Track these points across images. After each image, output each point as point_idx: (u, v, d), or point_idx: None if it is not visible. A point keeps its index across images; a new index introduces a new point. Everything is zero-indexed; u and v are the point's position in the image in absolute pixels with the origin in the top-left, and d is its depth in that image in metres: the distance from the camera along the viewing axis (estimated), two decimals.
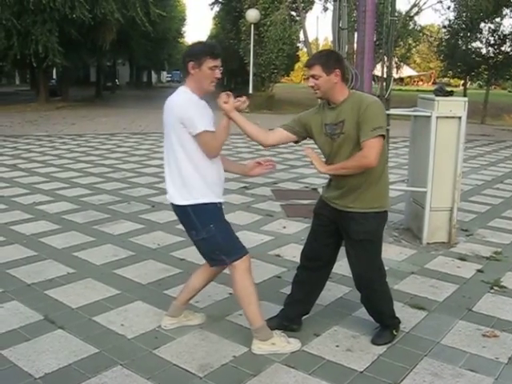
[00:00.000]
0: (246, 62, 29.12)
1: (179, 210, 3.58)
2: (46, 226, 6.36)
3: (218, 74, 3.44)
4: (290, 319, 3.89)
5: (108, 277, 4.84)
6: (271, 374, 3.34)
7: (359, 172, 3.42)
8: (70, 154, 12.22)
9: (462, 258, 5.52)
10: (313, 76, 3.44)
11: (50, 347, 3.60)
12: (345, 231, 3.63)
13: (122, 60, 52.46)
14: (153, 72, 76.72)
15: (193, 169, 3.45)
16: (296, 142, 3.84)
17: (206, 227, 3.48)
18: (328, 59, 3.46)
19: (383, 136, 3.38)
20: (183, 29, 68.90)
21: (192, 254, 5.40)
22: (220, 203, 3.57)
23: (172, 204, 3.61)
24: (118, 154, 12.45)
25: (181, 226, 6.20)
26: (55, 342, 3.67)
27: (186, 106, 3.36)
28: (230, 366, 3.43)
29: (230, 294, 4.46)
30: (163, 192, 8.07)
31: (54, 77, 37.27)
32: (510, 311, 4.35)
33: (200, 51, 3.41)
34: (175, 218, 6.54)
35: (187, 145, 3.42)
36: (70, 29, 24.15)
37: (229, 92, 3.49)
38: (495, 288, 4.84)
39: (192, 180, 3.46)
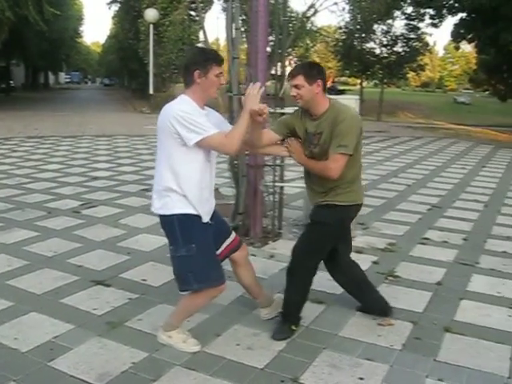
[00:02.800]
0: (146, 63, 28.70)
1: (164, 220, 3.45)
2: None
3: (222, 80, 3.39)
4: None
5: (0, 288, 4.60)
6: (171, 378, 3.29)
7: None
8: None
9: (359, 251, 5.69)
10: (295, 86, 3.54)
11: None
12: None
13: (16, 60, 50.25)
14: (50, 73, 74.11)
15: (175, 181, 3.34)
16: (282, 141, 3.88)
17: (188, 245, 3.37)
18: (311, 69, 3.58)
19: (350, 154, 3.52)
20: (81, 28, 67.16)
21: (90, 260, 5.28)
22: (205, 222, 3.48)
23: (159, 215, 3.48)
24: (12, 159, 11.87)
25: (78, 232, 6.14)
26: None
27: (183, 116, 3.20)
28: (129, 372, 3.35)
29: (130, 299, 4.39)
30: (60, 197, 7.91)
31: None
32: (403, 300, 4.55)
33: (206, 59, 3.32)
34: (72, 223, 6.53)
35: (173, 156, 3.31)
36: None
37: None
38: (389, 278, 5.04)
39: (174, 192, 3.35)
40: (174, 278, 3.58)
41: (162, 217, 3.44)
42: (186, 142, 3.22)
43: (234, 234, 3.82)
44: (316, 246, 3.80)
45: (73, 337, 3.75)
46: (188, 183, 3.35)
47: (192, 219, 3.39)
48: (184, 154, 3.30)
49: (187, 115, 3.21)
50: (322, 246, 3.81)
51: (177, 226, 3.38)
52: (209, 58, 3.35)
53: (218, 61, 3.37)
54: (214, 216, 3.63)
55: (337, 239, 3.89)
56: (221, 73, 3.37)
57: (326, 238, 3.80)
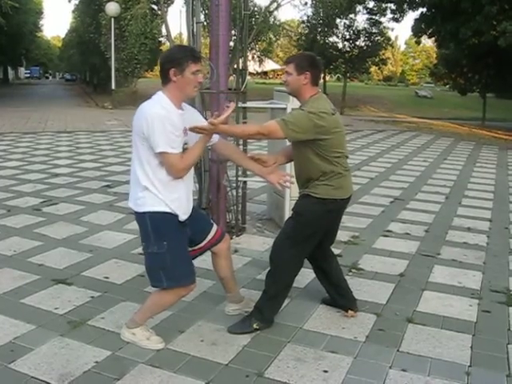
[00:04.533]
0: (107, 57, 28.32)
1: (137, 216, 3.42)
2: None
3: (200, 78, 3.32)
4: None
5: None
6: (135, 376, 3.25)
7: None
8: None
9: None
10: (286, 72, 3.76)
11: None
12: None
13: None
14: (9, 68, 72.52)
15: (148, 181, 3.29)
16: None
17: (159, 242, 3.33)
18: (302, 60, 3.74)
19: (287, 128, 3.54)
20: (41, 22, 65.82)
21: (51, 258, 5.19)
22: (179, 219, 3.43)
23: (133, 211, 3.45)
24: None
25: (39, 230, 6.03)
26: None
27: (152, 121, 3.14)
28: (92, 372, 3.30)
29: (92, 297, 4.33)
30: (20, 195, 7.76)
31: None
32: (366, 292, 4.60)
33: (182, 57, 3.25)
34: (33, 221, 6.42)
35: (145, 157, 3.27)
36: None
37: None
38: (353, 271, 5.09)
39: (147, 190, 3.30)
40: (147, 275, 3.55)
41: (136, 213, 3.42)
42: (153, 146, 3.19)
43: (215, 227, 3.81)
44: (292, 234, 3.81)
45: (34, 337, 3.68)
46: (161, 182, 3.31)
47: (164, 217, 3.35)
48: (155, 158, 3.27)
49: (159, 123, 3.14)
50: (298, 235, 3.79)
51: (149, 223, 3.35)
52: (184, 55, 3.27)
53: (195, 58, 3.30)
54: (194, 212, 3.61)
55: (316, 231, 3.84)
56: (198, 70, 3.30)
57: (300, 227, 3.79)
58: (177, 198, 3.38)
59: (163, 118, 3.18)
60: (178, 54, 3.29)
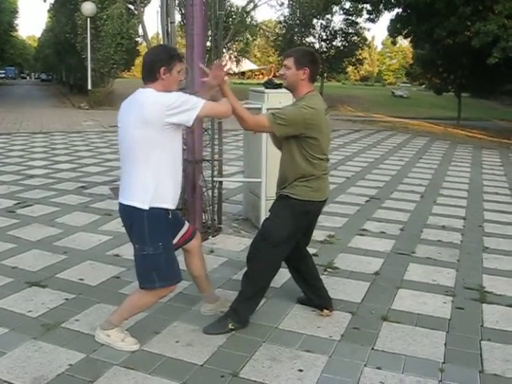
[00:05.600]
0: (83, 57, 28.06)
1: (131, 212, 3.36)
2: None
3: (181, 76, 3.52)
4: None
5: None
6: (110, 379, 3.23)
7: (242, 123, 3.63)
8: None
9: None
10: (285, 65, 3.75)
11: None
12: None
13: None
14: None
15: (151, 176, 3.30)
16: None
17: (155, 244, 3.34)
18: (302, 56, 3.74)
19: (277, 123, 3.56)
20: (16, 21, 64.98)
21: (24, 260, 5.14)
22: (169, 212, 3.45)
23: (125, 206, 3.38)
24: None
25: (12, 232, 5.95)
26: None
27: (172, 97, 3.25)
28: (65, 375, 3.26)
29: (66, 299, 4.29)
30: None
31: None
32: (342, 291, 4.62)
33: (170, 56, 3.38)
34: (6, 223, 6.35)
35: (151, 147, 3.28)
36: None
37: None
38: (329, 270, 5.11)
39: (149, 185, 3.30)
40: (136, 275, 3.52)
41: (132, 208, 3.35)
42: (186, 122, 3.29)
43: (187, 225, 3.83)
44: (269, 235, 3.78)
45: (6, 341, 3.63)
46: (165, 174, 3.36)
47: (161, 215, 3.37)
48: (165, 144, 3.31)
49: (176, 94, 3.29)
50: (276, 236, 3.76)
51: (146, 223, 3.33)
52: (173, 55, 3.42)
53: (180, 58, 3.47)
54: None
55: (293, 233, 3.82)
56: (182, 69, 3.46)
57: (278, 228, 3.77)
58: (173, 191, 3.45)
59: (174, 94, 3.32)
60: (167, 54, 3.42)
